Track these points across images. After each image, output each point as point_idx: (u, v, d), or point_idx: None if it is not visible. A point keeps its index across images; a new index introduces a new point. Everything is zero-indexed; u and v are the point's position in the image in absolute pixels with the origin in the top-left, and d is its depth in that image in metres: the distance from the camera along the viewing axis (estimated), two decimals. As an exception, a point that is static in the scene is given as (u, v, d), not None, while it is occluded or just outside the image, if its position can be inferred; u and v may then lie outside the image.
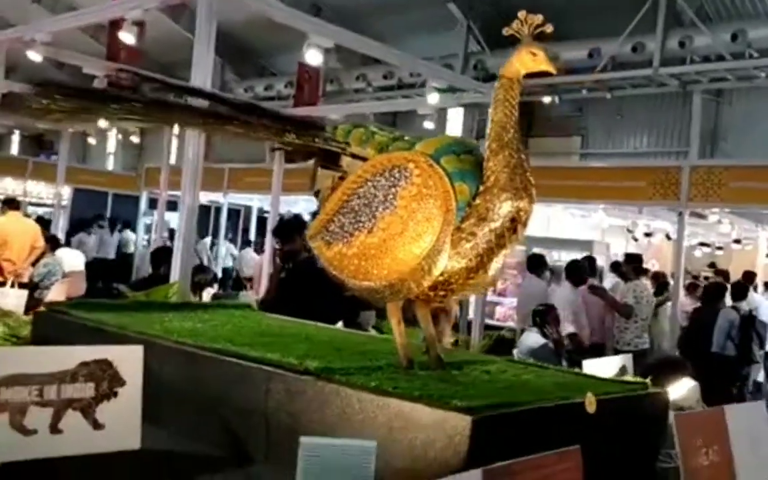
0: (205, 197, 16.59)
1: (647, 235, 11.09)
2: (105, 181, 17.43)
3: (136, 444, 2.06)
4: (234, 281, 14.13)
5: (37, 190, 16.06)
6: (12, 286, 7.35)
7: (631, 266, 7.47)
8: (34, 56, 5.79)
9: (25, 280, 7.61)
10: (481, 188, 2.21)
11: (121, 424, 2.06)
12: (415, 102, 10.10)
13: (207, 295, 6.90)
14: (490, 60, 14.56)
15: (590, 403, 2.02)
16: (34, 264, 7.93)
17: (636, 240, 11.38)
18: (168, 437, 2.20)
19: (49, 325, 2.87)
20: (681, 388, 2.85)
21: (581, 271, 7.27)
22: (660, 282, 8.93)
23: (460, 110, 15.33)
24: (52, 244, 7.92)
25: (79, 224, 14.66)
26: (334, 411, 1.90)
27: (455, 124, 16.29)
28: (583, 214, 11.00)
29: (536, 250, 8.58)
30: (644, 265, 8.67)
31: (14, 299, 6.87)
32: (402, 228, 2.20)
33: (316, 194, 2.66)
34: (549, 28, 2.32)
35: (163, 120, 2.84)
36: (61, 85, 2.36)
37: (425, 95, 6.52)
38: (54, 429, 1.98)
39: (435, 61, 15.21)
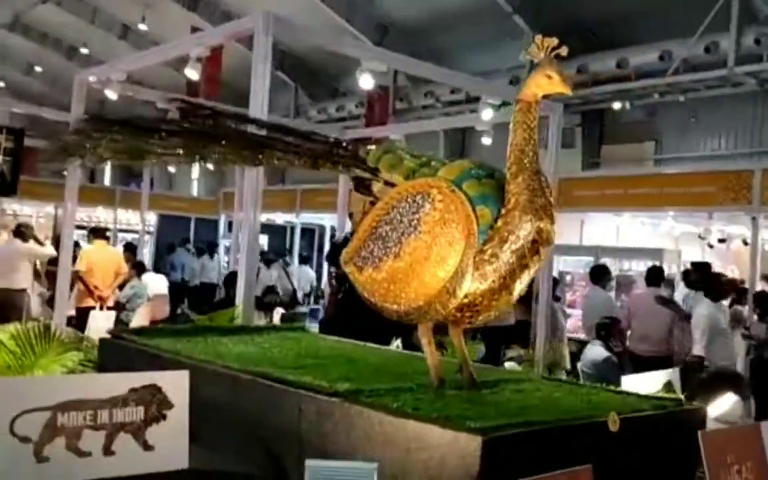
0: (281, 218, 17.10)
1: (721, 241, 10.67)
2: (188, 206, 18.16)
3: (184, 463, 2.20)
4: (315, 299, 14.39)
5: (126, 217, 16.87)
6: (101, 309, 7.85)
7: (698, 275, 7.23)
8: (111, 94, 6.16)
9: (112, 303, 8.10)
10: (503, 211, 2.27)
11: (170, 445, 2.20)
12: (469, 118, 10.11)
13: (276, 315, 7.16)
14: (558, 69, 14.43)
15: (613, 422, 2.05)
16: (120, 288, 8.41)
17: (711, 246, 10.97)
18: (213, 457, 2.34)
19: (112, 351, 3.09)
20: (724, 404, 2.81)
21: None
22: (738, 290, 8.58)
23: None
24: (138, 269, 8.38)
25: (167, 248, 15.27)
26: (359, 433, 2.00)
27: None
28: (654, 222, 10.74)
29: (605, 260, 8.44)
30: (723, 273, 8.38)
31: (103, 321, 7.34)
32: (427, 252, 2.29)
33: (350, 216, 2.80)
34: (564, 51, 2.37)
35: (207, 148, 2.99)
36: (99, 118, 2.56)
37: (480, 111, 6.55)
38: (107, 451, 2.11)
39: (502, 74, 15.22)
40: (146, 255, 13.12)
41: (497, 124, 7.63)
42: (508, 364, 4.49)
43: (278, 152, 2.74)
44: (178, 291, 13.45)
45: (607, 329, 5.66)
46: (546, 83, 2.33)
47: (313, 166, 2.74)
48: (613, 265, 8.81)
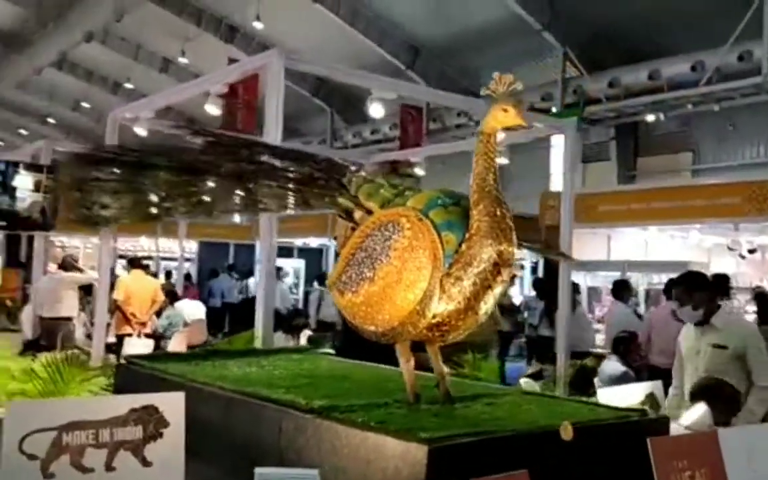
0: (316, 242, 17.41)
1: (751, 251, 10.50)
2: (226, 233, 18.61)
3: (180, 479, 2.41)
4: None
5: (168, 245, 17.38)
6: (138, 336, 8.21)
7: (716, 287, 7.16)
8: (140, 130, 6.49)
9: (150, 330, 8.45)
10: (467, 236, 2.44)
11: (167, 461, 2.37)
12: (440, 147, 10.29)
13: (303, 337, 7.38)
14: (589, 83, 14.45)
15: (565, 431, 2.18)
16: (158, 315, 8.76)
17: (743, 257, 10.81)
18: (208, 472, 2.54)
19: (126, 375, 3.33)
20: (693, 414, 2.90)
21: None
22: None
23: (561, 137, 15.26)
24: (170, 297, 8.71)
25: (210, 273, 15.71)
26: (327, 445, 2.18)
27: (559, 150, 16.24)
28: (683, 234, 10.65)
29: (633, 274, 8.45)
30: (757, 284, 8.29)
31: (141, 347, 7.67)
32: (398, 277, 2.46)
33: (335, 239, 2.99)
34: (519, 86, 2.53)
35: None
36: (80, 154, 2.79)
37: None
38: (108, 467, 2.28)
39: (534, 90, 15.28)
40: (180, 283, 13.46)
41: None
42: (523, 381, 4.59)
43: (265, 180, 2.92)
44: (220, 315, 13.84)
45: (625, 344, 5.70)
46: (503, 117, 2.50)
47: (299, 201, 2.92)
48: (642, 279, 8.79)
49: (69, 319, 8.49)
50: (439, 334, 2.52)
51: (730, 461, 2.32)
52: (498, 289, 2.47)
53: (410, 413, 2.33)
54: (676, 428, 2.65)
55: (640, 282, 9.26)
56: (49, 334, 8.43)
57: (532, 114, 7.86)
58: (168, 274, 11.97)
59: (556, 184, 16.27)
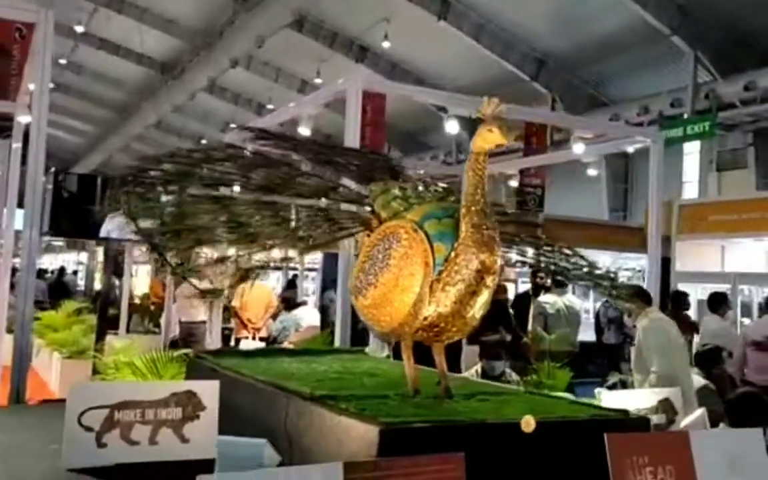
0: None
1: None
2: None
3: (213, 454, 2.80)
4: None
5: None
6: (253, 339, 8.90)
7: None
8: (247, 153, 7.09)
9: (264, 334, 9.13)
10: (455, 245, 2.68)
11: (202, 439, 2.76)
12: (562, 154, 10.15)
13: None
14: (723, 87, 13.79)
15: (527, 424, 2.36)
16: (274, 318, 9.43)
17: None
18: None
19: (195, 367, 3.83)
20: (691, 416, 2.94)
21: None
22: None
23: (696, 144, 14.69)
24: (286, 304, 9.36)
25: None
26: (315, 428, 2.50)
27: (693, 158, 15.62)
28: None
29: (743, 286, 8.07)
30: None
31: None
32: (395, 282, 2.76)
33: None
34: (503, 108, 2.75)
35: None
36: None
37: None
38: (152, 441, 2.69)
39: (662, 96, 14.79)
40: (303, 292, 14.07)
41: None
42: (597, 391, 4.67)
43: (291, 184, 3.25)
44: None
45: (707, 357, 5.56)
46: (489, 136, 2.73)
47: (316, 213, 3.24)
48: (758, 293, 8.33)
49: (202, 322, 9.30)
50: (433, 334, 2.78)
51: (702, 463, 2.39)
52: (483, 295, 2.69)
53: (397, 404, 2.60)
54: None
55: (757, 296, 8.77)
56: (186, 336, 9.34)
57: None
58: (290, 283, 12.69)
59: (690, 191, 15.61)
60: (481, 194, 2.70)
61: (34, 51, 4.94)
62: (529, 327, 7.75)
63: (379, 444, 2.14)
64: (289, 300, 9.43)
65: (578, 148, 6.82)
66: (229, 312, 9.30)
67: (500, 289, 7.27)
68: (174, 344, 9.12)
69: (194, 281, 3.30)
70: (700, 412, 2.97)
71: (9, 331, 12.66)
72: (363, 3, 16.49)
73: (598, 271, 3.47)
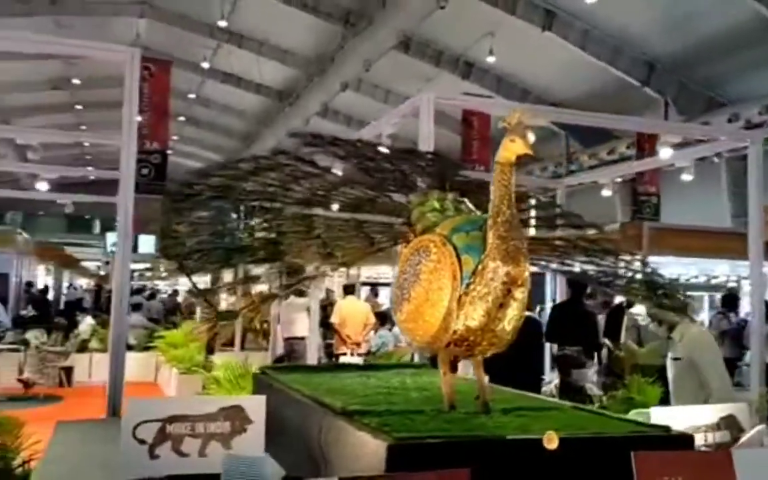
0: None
1: None
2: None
3: (259, 466, 2.91)
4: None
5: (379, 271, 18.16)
6: (352, 354, 9.08)
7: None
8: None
9: (364, 350, 9.29)
10: (482, 258, 2.65)
11: (249, 452, 2.90)
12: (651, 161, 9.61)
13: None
14: None
15: (549, 440, 2.28)
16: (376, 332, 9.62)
17: None
18: (279, 459, 3.01)
19: (259, 382, 3.97)
20: (749, 432, 2.72)
21: None
22: None
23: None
24: (381, 320, 9.50)
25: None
26: (342, 443, 2.54)
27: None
28: None
29: None
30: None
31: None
32: (426, 296, 2.76)
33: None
34: (526, 119, 2.69)
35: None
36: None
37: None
38: (201, 453, 2.84)
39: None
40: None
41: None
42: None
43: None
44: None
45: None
46: (513, 147, 2.68)
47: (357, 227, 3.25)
48: None
49: (302, 338, 9.60)
50: (465, 348, 2.76)
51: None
52: (512, 308, 2.64)
53: (425, 419, 2.59)
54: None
55: None
56: (290, 352, 9.68)
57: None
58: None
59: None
60: (507, 206, 2.66)
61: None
62: (622, 340, 7.43)
63: (387, 459, 2.15)
64: (386, 316, 9.56)
65: (666, 153, 6.49)
66: (330, 328, 9.54)
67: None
68: (280, 360, 9.47)
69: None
70: (759, 428, 2.75)
71: (144, 349, 13.55)
72: (467, 20, 16.48)
73: (659, 280, 3.30)
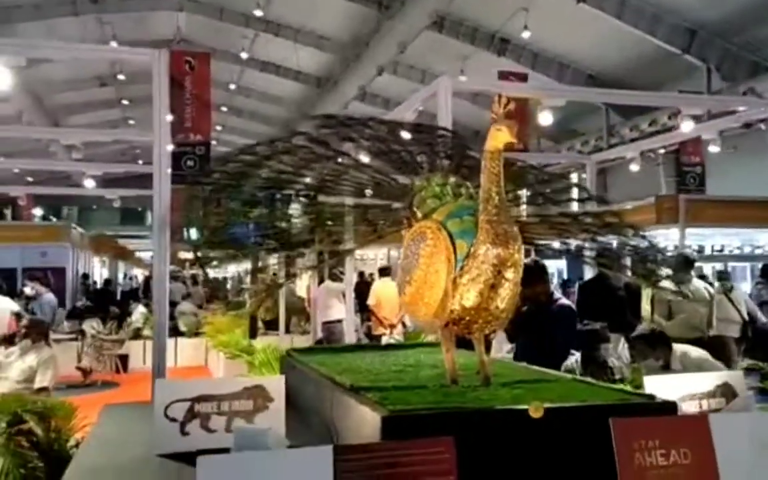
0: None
1: None
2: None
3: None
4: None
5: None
6: (390, 335, 9.32)
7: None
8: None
9: (400, 330, 9.52)
10: (474, 242, 2.82)
11: (272, 427, 3.16)
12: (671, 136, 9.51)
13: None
14: None
15: (535, 410, 2.45)
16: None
17: None
18: (299, 434, 3.23)
19: (286, 363, 4.21)
20: (737, 399, 2.83)
21: None
22: None
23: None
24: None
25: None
26: (348, 418, 2.74)
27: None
28: None
29: None
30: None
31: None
32: (424, 279, 2.95)
33: None
34: (512, 106, 2.83)
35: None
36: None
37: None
38: (227, 430, 3.07)
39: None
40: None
41: None
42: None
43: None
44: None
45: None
46: (500, 136, 2.83)
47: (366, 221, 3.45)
48: None
49: (339, 321, 9.88)
50: (463, 326, 2.93)
51: (724, 446, 2.35)
52: (504, 288, 2.80)
53: (426, 393, 2.77)
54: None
55: None
56: (328, 335, 9.97)
57: None
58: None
59: None
60: (496, 192, 2.80)
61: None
62: (643, 313, 7.44)
63: (381, 430, 2.34)
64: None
65: (687, 126, 6.50)
66: (366, 310, 9.78)
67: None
68: (320, 343, 9.76)
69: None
70: (745, 395, 2.85)
71: (194, 334, 14.02)
72: (500, -4, 16.48)
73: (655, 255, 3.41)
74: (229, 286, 19.95)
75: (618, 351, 5.45)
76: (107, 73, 25.79)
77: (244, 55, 24.06)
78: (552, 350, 5.02)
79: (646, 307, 7.34)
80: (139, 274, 32.29)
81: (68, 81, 25.13)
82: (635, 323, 7.07)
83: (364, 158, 3.58)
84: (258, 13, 20.19)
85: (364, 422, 2.51)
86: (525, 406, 2.46)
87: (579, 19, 16.12)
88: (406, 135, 3.74)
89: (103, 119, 30.31)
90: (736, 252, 12.73)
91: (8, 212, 28.91)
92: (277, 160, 3.49)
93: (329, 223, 3.33)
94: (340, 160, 3.52)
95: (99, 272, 25.82)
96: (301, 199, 3.44)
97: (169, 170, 5.82)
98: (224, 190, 3.43)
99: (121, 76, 25.38)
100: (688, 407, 2.89)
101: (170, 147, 6.83)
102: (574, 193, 3.84)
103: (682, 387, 2.99)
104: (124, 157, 32.55)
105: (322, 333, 10.14)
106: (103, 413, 4.19)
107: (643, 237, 3.47)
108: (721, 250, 12.79)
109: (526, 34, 17.20)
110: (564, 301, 5.53)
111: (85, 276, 20.39)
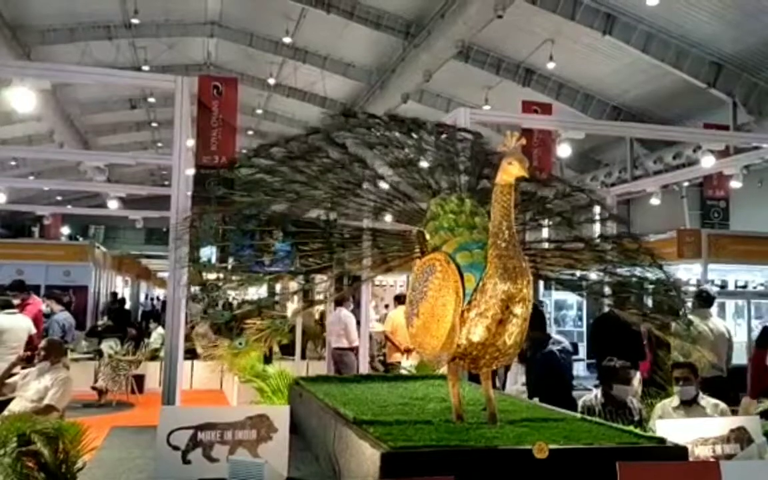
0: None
1: None
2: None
3: (284, 472, 3.10)
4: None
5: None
6: (406, 360, 9.23)
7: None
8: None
9: (415, 357, 9.41)
10: (483, 276, 2.77)
11: (274, 458, 3.06)
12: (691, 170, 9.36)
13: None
14: None
15: (539, 450, 2.38)
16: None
17: None
18: (305, 464, 3.19)
19: (292, 391, 4.17)
20: (751, 446, 2.73)
21: None
22: None
23: None
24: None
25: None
26: (349, 451, 2.69)
27: None
28: None
29: None
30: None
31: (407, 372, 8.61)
32: (432, 312, 2.91)
33: None
34: (523, 141, 2.79)
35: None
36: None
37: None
38: (229, 460, 3.12)
39: None
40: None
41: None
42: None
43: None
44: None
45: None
46: (511, 170, 2.79)
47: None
48: None
49: (353, 349, 9.80)
50: (470, 361, 2.88)
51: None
52: (512, 323, 2.74)
53: (428, 430, 2.72)
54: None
55: None
56: (337, 362, 9.89)
57: None
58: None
59: None
60: (507, 226, 2.76)
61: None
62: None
63: (381, 467, 2.30)
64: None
65: (707, 162, 6.39)
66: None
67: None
68: (338, 369, 9.67)
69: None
70: (759, 441, 2.75)
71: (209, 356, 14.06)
72: (526, 27, 16.44)
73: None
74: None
75: (635, 386, 5.33)
76: (138, 96, 26.15)
77: (271, 81, 24.27)
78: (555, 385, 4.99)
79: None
80: (161, 294, 32.46)
81: (100, 102, 25.51)
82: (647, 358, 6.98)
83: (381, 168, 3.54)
84: (287, 39, 20.40)
85: (365, 457, 2.47)
86: (529, 446, 2.40)
87: (604, 51, 16.08)
88: (427, 137, 3.69)
89: (132, 140, 30.69)
90: (760, 288, 12.49)
91: (36, 230, 29.25)
92: (291, 167, 3.46)
93: (341, 248, 3.30)
94: (356, 169, 3.48)
95: (121, 292, 26.00)
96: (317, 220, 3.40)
97: (189, 192, 5.85)
98: (234, 205, 3.41)
99: (151, 99, 25.72)
100: (701, 452, 2.81)
101: (191, 170, 6.89)
102: (596, 210, 3.76)
103: (694, 430, 2.91)
104: (152, 177, 32.90)
105: (333, 359, 10.08)
106: (109, 436, 4.17)
107: (660, 267, 3.39)
108: (745, 287, 12.55)
109: (551, 65, 17.16)
110: (553, 347, 5.53)
111: (114, 294, 20.52)
